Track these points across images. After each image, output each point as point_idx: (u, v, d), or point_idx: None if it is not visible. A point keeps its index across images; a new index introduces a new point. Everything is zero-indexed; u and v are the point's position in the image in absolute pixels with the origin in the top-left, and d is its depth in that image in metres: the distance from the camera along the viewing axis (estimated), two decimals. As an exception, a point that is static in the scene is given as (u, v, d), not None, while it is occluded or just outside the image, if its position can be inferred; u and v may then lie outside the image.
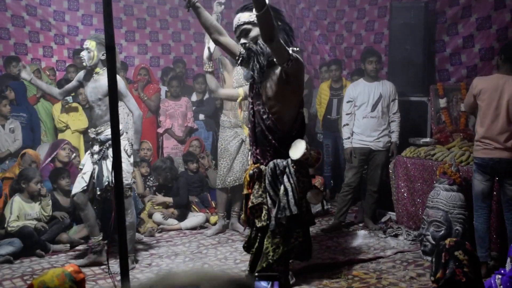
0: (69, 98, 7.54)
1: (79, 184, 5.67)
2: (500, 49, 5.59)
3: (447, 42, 7.74)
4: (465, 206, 5.83)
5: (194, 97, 8.80)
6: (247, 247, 3.79)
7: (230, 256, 6.10)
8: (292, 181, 3.47)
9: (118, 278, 3.90)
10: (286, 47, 3.42)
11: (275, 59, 3.49)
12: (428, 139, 7.06)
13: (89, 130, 5.94)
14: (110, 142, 5.47)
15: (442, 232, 5.76)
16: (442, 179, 5.99)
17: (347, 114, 6.99)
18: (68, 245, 6.35)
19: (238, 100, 5.68)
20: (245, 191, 3.75)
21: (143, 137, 8.03)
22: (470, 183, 6.07)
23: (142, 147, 7.86)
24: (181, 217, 7.29)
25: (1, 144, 7.06)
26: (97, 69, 5.57)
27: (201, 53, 10.06)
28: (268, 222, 3.54)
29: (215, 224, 7.17)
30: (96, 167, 5.61)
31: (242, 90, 5.50)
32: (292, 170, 3.50)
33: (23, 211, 6.24)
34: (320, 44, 9.75)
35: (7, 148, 7.04)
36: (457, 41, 7.62)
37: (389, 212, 7.21)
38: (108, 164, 5.51)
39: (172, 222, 7.21)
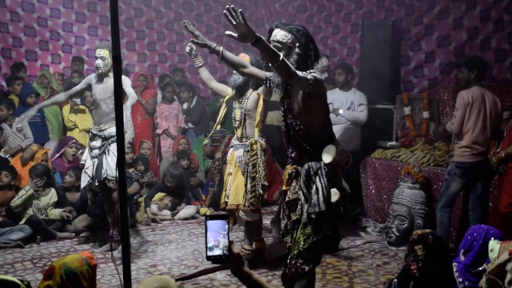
0: (78, 101, 7.61)
1: (85, 179, 5.69)
2: (469, 64, 5.40)
3: (411, 57, 7.83)
4: (426, 202, 5.92)
5: (185, 105, 8.79)
6: (282, 235, 3.87)
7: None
8: (323, 182, 3.53)
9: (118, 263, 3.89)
10: (304, 75, 3.37)
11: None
12: (394, 143, 7.10)
13: (91, 126, 5.81)
14: (112, 138, 5.46)
15: (406, 225, 5.85)
16: (406, 178, 6.07)
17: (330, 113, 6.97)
18: (74, 234, 6.39)
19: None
20: (284, 187, 3.79)
21: (142, 137, 8.01)
22: (431, 182, 6.15)
23: (142, 146, 7.84)
24: (174, 208, 7.29)
25: (10, 141, 7.03)
26: (110, 73, 5.52)
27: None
28: (301, 216, 3.58)
29: (204, 215, 7.17)
30: (96, 160, 5.56)
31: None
32: (324, 172, 3.55)
33: (33, 199, 6.34)
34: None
35: (18, 144, 6.99)
36: (420, 56, 7.71)
37: (359, 207, 7.24)
38: (108, 159, 5.48)
39: (166, 213, 7.22)
